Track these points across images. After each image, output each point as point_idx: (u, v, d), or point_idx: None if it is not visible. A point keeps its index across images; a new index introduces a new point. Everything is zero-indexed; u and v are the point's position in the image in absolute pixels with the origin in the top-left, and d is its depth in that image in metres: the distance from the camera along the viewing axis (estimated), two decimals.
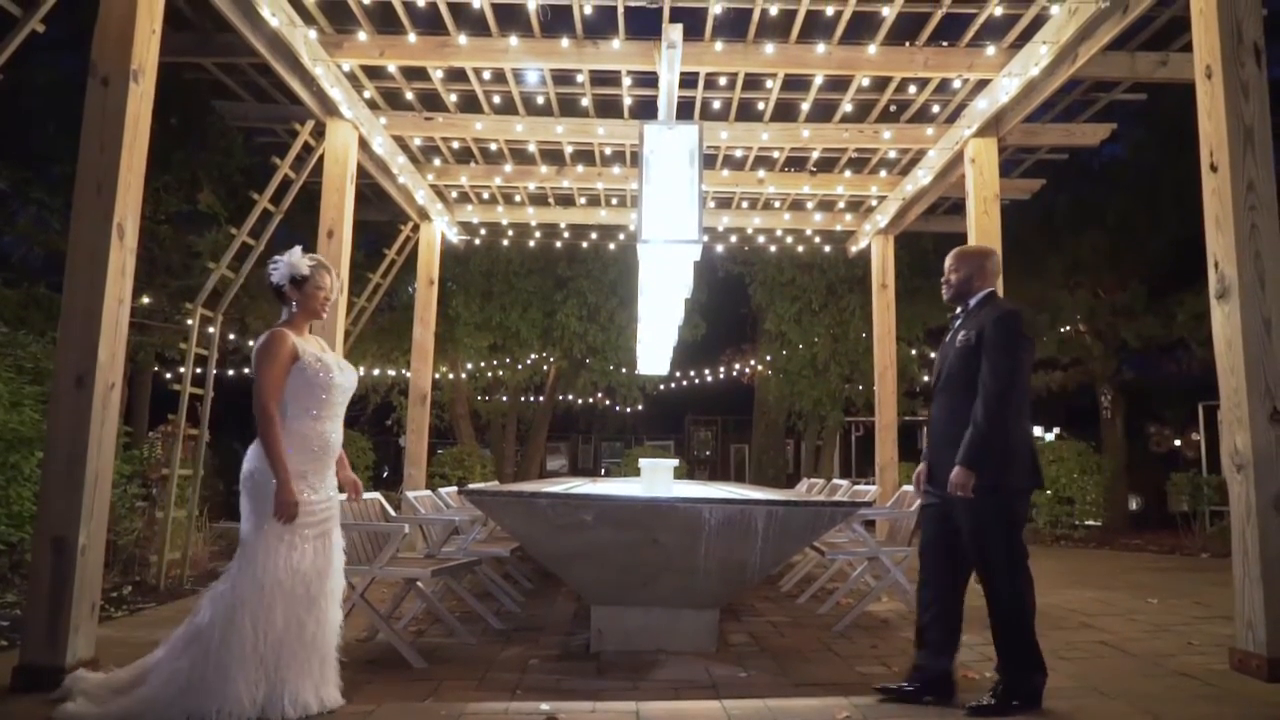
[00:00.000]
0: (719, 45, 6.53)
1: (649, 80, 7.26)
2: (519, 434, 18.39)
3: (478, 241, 11.97)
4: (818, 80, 7.17)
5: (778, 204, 10.43)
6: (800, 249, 11.76)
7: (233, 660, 3.17)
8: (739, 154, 8.99)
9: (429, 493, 6.59)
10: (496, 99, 7.77)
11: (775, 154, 8.95)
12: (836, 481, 8.74)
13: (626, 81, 7.36)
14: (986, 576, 3.56)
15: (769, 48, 6.55)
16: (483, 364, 15.19)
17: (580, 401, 18.70)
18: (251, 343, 12.30)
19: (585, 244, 12.32)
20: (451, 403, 15.89)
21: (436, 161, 9.19)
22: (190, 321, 7.11)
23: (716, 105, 7.80)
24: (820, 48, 6.53)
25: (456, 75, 7.31)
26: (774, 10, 6.21)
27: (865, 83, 7.25)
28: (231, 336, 12.06)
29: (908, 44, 6.53)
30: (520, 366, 15.36)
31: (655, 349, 8.96)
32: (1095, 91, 7.74)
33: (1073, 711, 3.52)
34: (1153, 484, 14.59)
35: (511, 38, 6.47)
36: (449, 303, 13.88)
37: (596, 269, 14.64)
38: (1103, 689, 3.87)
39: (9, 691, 3.71)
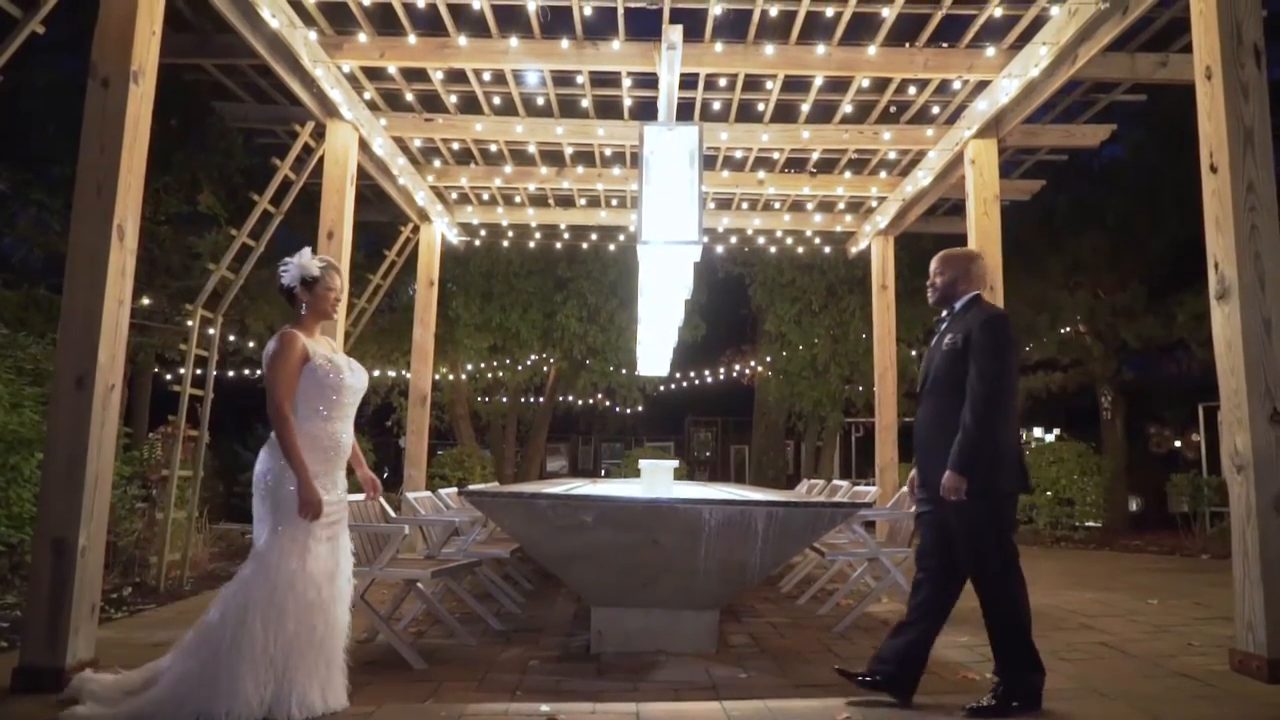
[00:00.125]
0: (719, 46, 6.53)
1: (649, 81, 7.27)
2: (519, 435, 18.39)
3: (478, 243, 11.97)
4: (818, 81, 7.17)
5: (778, 205, 10.43)
6: (800, 250, 11.77)
7: (243, 661, 3.17)
8: (739, 155, 8.99)
9: (429, 494, 6.59)
10: (496, 100, 7.77)
11: (775, 155, 8.95)
12: (836, 482, 8.73)
13: (626, 83, 7.36)
14: (981, 579, 3.56)
15: (769, 49, 6.55)
16: (483, 365, 15.19)
17: (580, 402, 18.72)
18: (252, 344, 12.42)
19: (585, 245, 12.32)
20: (451, 404, 15.89)
21: (436, 163, 9.19)
22: (190, 323, 7.11)
23: (716, 106, 7.80)
24: (820, 49, 6.53)
25: (456, 76, 7.31)
26: (774, 11, 6.21)
27: (865, 84, 7.25)
28: (231, 338, 12.07)
29: (908, 45, 6.53)
30: (520, 367, 15.37)
31: (655, 350, 8.96)
32: (1095, 92, 7.75)
33: (1073, 712, 3.52)
34: (1153, 485, 14.59)
35: (511, 39, 6.47)
36: (449, 304, 13.88)
37: (596, 270, 14.65)
38: (1103, 690, 3.87)
39: (9, 692, 3.71)
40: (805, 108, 7.69)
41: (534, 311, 14.65)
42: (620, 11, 6.16)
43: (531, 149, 8.88)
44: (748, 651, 4.72)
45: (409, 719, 3.46)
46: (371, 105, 7.65)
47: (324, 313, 3.65)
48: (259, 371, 14.42)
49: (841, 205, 10.26)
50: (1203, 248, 4.38)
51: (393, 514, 5.22)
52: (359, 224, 8.06)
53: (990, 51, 6.50)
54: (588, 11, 6.21)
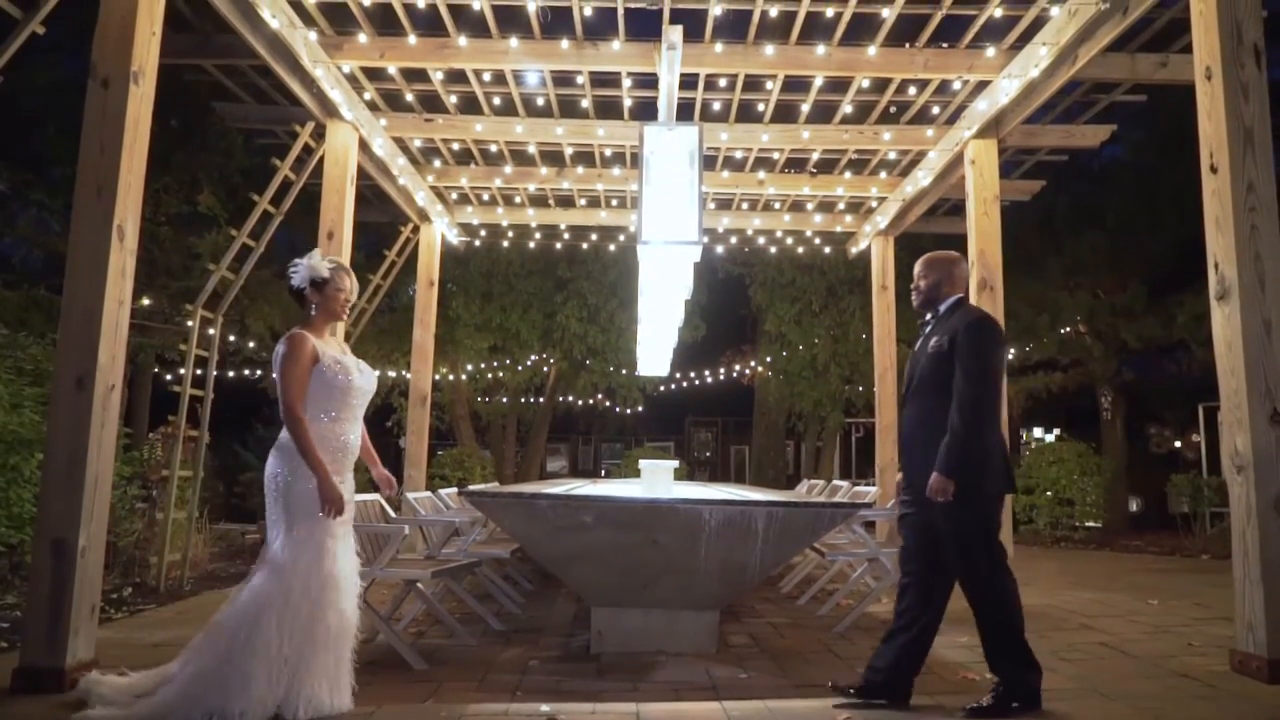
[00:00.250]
0: (719, 47, 6.53)
1: (649, 82, 7.27)
2: (519, 435, 18.39)
3: (478, 243, 11.97)
4: (818, 81, 7.17)
5: (778, 205, 10.43)
6: (800, 250, 11.77)
7: (256, 661, 3.18)
8: (739, 155, 8.99)
9: (429, 494, 6.59)
10: (496, 100, 7.77)
11: (775, 155, 8.95)
12: (836, 483, 8.74)
13: (626, 83, 7.36)
14: (970, 581, 3.56)
15: (769, 49, 6.55)
16: (483, 365, 15.19)
17: (580, 403, 18.71)
18: (252, 344, 12.42)
19: (585, 245, 12.32)
20: (452, 404, 15.89)
21: (436, 163, 9.19)
22: (190, 323, 7.12)
23: (716, 106, 7.80)
24: (820, 49, 6.53)
25: (456, 77, 7.31)
26: (774, 12, 6.21)
27: (865, 84, 7.25)
28: (231, 338, 12.07)
29: (908, 45, 6.53)
30: (520, 368, 15.36)
31: (655, 350, 8.96)
32: (1095, 93, 7.75)
33: (1073, 712, 3.52)
34: (1153, 485, 14.58)
35: (511, 39, 6.47)
36: (449, 304, 13.88)
37: (596, 270, 14.65)
38: (1103, 690, 3.87)
39: (9, 693, 3.70)
40: (805, 108, 7.69)
41: (534, 312, 14.65)
42: (620, 12, 6.16)
43: (531, 149, 8.88)
44: (748, 652, 4.72)
45: (409, 719, 3.46)
46: (371, 105, 7.65)
47: (334, 314, 3.67)
48: (259, 372, 14.46)
49: (841, 205, 10.26)
50: (1203, 248, 4.38)
51: (393, 514, 5.22)
52: (359, 224, 8.06)
53: (990, 52, 6.50)
54: (588, 12, 6.21)
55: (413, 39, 6.44)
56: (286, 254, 13.43)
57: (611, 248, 12.29)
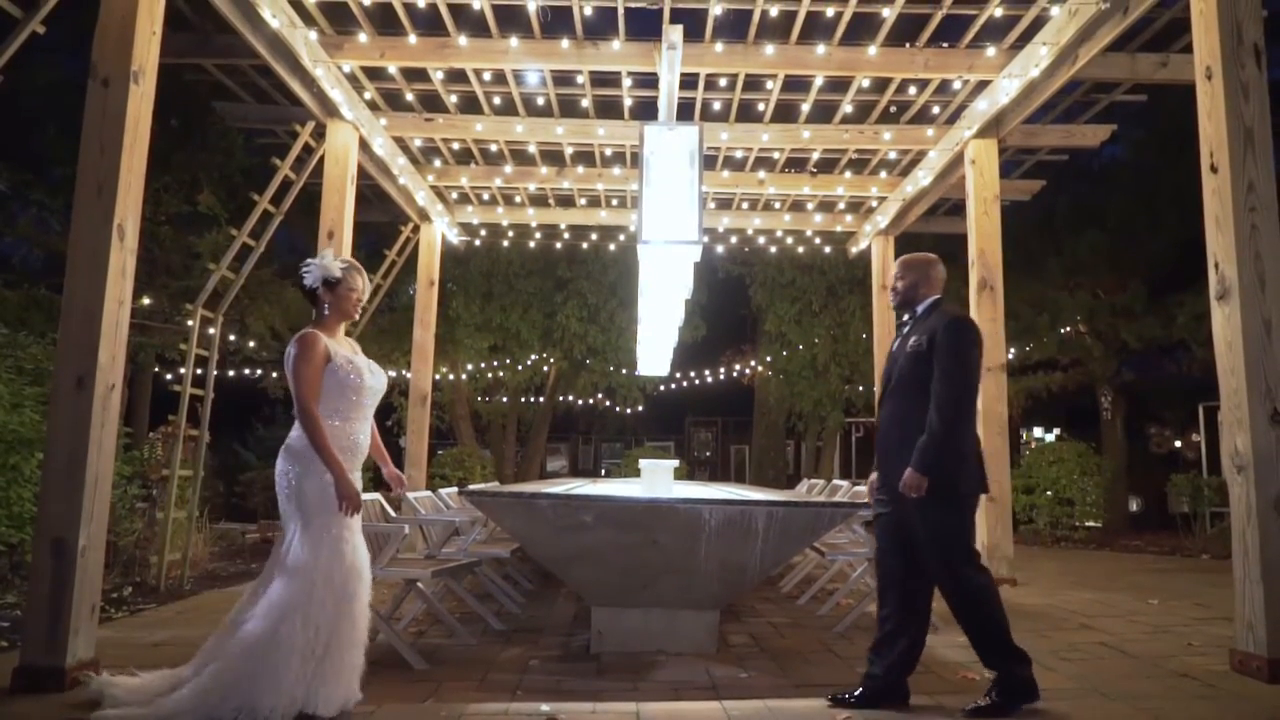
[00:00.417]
0: (719, 46, 6.54)
1: (649, 81, 7.27)
2: (519, 435, 18.39)
3: (478, 242, 11.98)
4: (818, 81, 7.17)
5: (778, 205, 10.44)
6: (800, 250, 11.77)
7: (285, 658, 3.19)
8: (739, 155, 8.99)
9: (429, 493, 6.59)
10: (497, 100, 7.77)
11: (775, 155, 8.96)
12: (837, 482, 8.73)
13: (627, 82, 7.37)
14: (947, 581, 3.56)
15: (769, 49, 6.55)
16: (483, 365, 15.19)
17: (580, 402, 18.70)
18: (252, 343, 12.41)
19: (585, 245, 12.33)
20: (452, 404, 15.89)
21: (437, 162, 9.19)
22: (190, 322, 7.11)
23: (717, 106, 7.80)
24: (820, 49, 6.53)
25: (457, 76, 7.32)
26: (774, 11, 6.21)
27: (865, 84, 7.25)
28: (232, 337, 12.07)
29: (908, 45, 6.54)
30: (520, 367, 15.36)
31: (655, 350, 8.96)
32: (1095, 93, 7.75)
33: (1073, 712, 3.52)
34: (1153, 485, 14.57)
35: (512, 39, 6.47)
36: (449, 304, 13.88)
37: (597, 270, 14.65)
38: (1103, 690, 3.87)
39: (9, 692, 3.70)
40: (805, 108, 7.69)
41: (534, 311, 14.65)
42: (620, 11, 6.16)
43: (532, 149, 8.89)
44: (748, 651, 4.72)
45: (409, 718, 3.46)
46: (372, 105, 7.65)
47: (346, 313, 3.68)
48: (259, 371, 14.46)
49: (842, 205, 10.26)
50: (1203, 248, 4.38)
51: (393, 513, 5.22)
52: (359, 224, 8.06)
53: (990, 51, 6.50)
54: (588, 11, 6.21)
55: (413, 38, 6.44)
56: (286, 254, 13.52)
57: (612, 247, 12.29)
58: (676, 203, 5.26)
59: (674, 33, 5.82)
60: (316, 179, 7.32)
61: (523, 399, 17.26)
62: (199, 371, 7.16)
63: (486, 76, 7.28)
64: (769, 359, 15.92)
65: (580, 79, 7.35)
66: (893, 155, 8.76)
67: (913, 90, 7.43)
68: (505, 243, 12.52)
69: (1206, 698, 3.75)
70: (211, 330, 7.25)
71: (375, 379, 3.65)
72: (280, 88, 7.22)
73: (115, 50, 4.16)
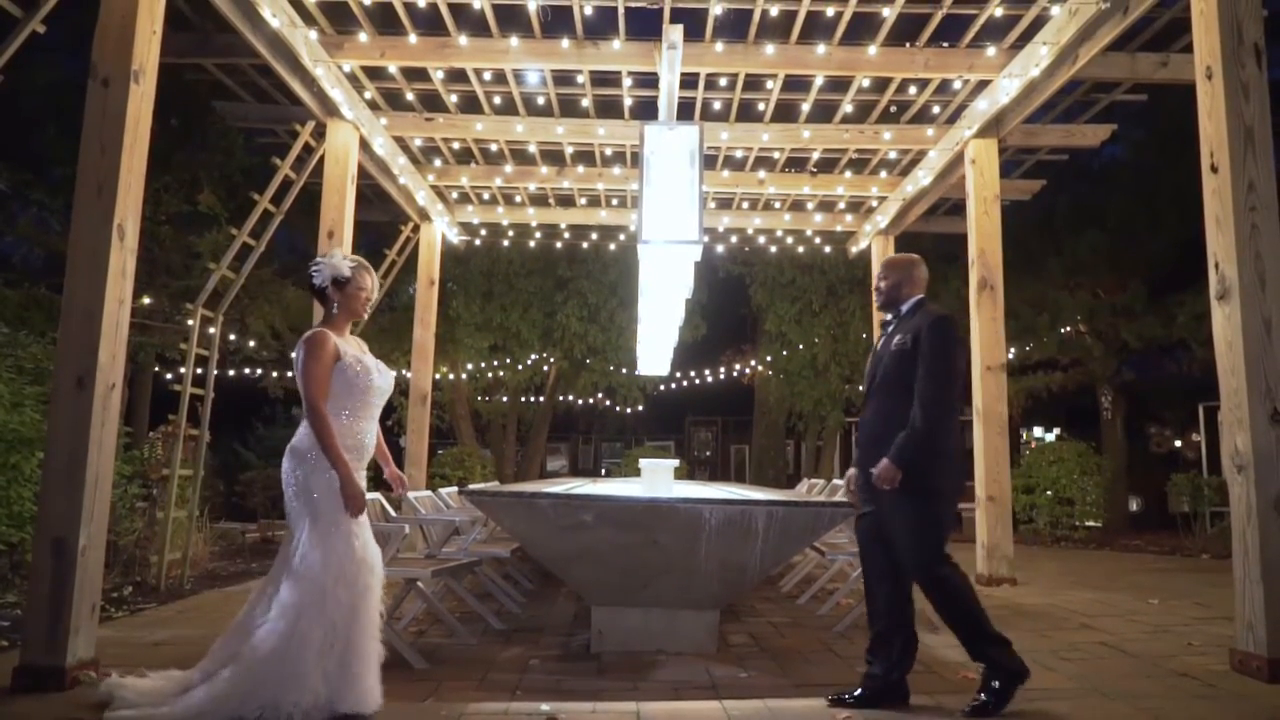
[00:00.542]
0: (719, 46, 6.54)
1: (649, 81, 7.27)
2: (519, 434, 18.38)
3: (478, 242, 11.98)
4: (818, 81, 7.17)
5: (778, 205, 10.44)
6: (800, 249, 11.77)
7: (302, 656, 3.19)
8: (739, 155, 8.99)
9: (429, 493, 6.59)
10: (497, 99, 7.77)
11: (776, 155, 8.96)
12: (837, 482, 8.71)
13: (627, 82, 7.37)
14: (923, 577, 3.57)
15: (769, 48, 6.55)
16: (483, 364, 15.19)
17: (580, 402, 18.70)
18: (252, 343, 12.41)
19: (585, 244, 12.33)
20: (452, 403, 15.88)
21: (437, 162, 9.19)
22: (191, 322, 7.12)
23: (717, 106, 7.80)
24: (820, 48, 6.53)
25: (457, 76, 7.32)
26: (774, 11, 6.21)
27: (865, 83, 7.25)
28: (232, 337, 12.07)
29: (908, 45, 6.54)
30: (520, 367, 15.36)
31: (655, 349, 8.96)
32: (1096, 92, 7.75)
33: (1073, 711, 3.52)
34: (1153, 485, 14.56)
35: (512, 38, 6.48)
36: (449, 303, 13.87)
37: (597, 269, 14.64)
38: (1103, 689, 3.87)
39: (9, 692, 3.70)
40: (806, 107, 7.69)
41: (534, 311, 14.65)
42: (621, 11, 6.16)
43: (532, 148, 8.89)
44: (748, 651, 4.72)
45: (409, 718, 3.46)
46: (372, 105, 7.65)
47: (355, 312, 3.69)
48: (259, 371, 14.46)
49: (842, 205, 10.26)
50: (1203, 247, 4.38)
51: (393, 513, 5.22)
52: (359, 223, 8.06)
53: (991, 51, 6.50)
54: (588, 11, 6.21)
55: (413, 38, 6.44)
56: (287, 253, 13.53)
57: (612, 247, 12.29)
58: (677, 202, 5.26)
59: (674, 32, 5.82)
60: (317, 178, 7.32)
61: (523, 398, 17.26)
62: (199, 371, 7.16)
63: (487, 76, 7.29)
64: (769, 359, 15.91)
65: (580, 79, 7.35)
66: (893, 155, 8.76)
67: (913, 90, 7.43)
68: (505, 242, 12.52)
69: (1206, 697, 3.75)
70: (212, 330, 7.25)
71: (383, 379, 3.67)
72: (280, 87, 7.22)
73: (115, 50, 4.16)
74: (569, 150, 8.91)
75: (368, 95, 7.48)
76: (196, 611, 5.86)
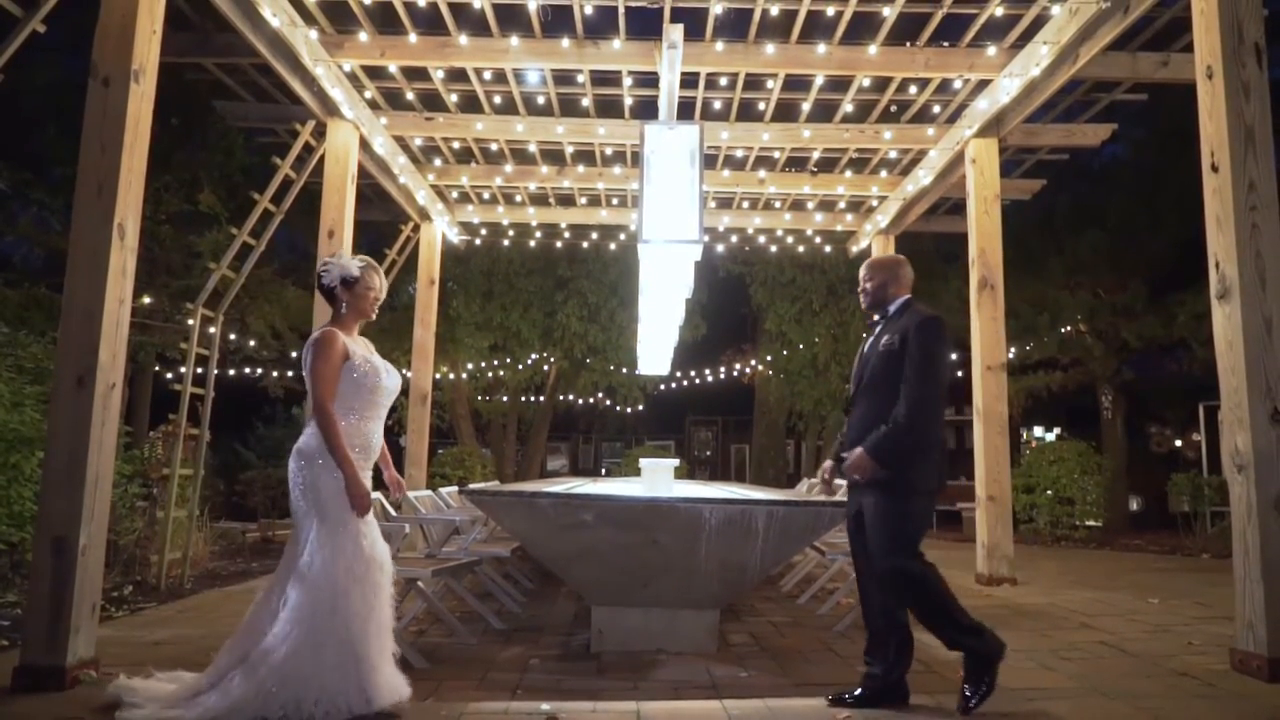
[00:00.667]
0: (720, 45, 6.54)
1: (650, 80, 7.27)
2: (519, 434, 18.39)
3: (478, 242, 11.98)
4: (818, 80, 7.17)
5: (778, 204, 10.44)
6: (801, 249, 11.77)
7: (319, 656, 3.21)
8: (740, 154, 8.99)
9: (429, 493, 6.59)
10: (497, 99, 7.77)
11: (776, 154, 8.96)
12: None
13: (627, 82, 7.37)
14: (889, 570, 3.56)
15: (770, 48, 6.55)
16: (483, 364, 15.19)
17: (581, 402, 18.70)
18: (253, 342, 12.40)
19: (586, 244, 12.33)
20: (452, 403, 15.88)
21: (437, 162, 9.19)
22: (191, 321, 7.12)
23: (717, 105, 7.80)
24: (821, 48, 6.53)
25: (457, 75, 7.32)
26: (775, 10, 6.21)
27: (866, 83, 7.25)
28: (232, 336, 12.07)
29: (908, 44, 6.54)
30: (521, 367, 15.36)
31: (656, 349, 8.96)
32: (1096, 92, 7.75)
33: (1073, 711, 3.53)
34: (1153, 484, 14.56)
35: (512, 38, 6.47)
36: (449, 303, 13.88)
37: (597, 269, 14.64)
38: (1103, 689, 3.87)
39: (10, 691, 3.71)
40: (806, 107, 7.69)
41: (534, 310, 14.65)
42: (621, 10, 6.16)
43: (532, 148, 8.89)
44: (748, 650, 4.72)
45: (409, 717, 3.46)
46: (372, 104, 7.65)
47: (363, 312, 3.70)
48: (259, 370, 14.46)
49: (842, 204, 10.26)
50: (1203, 247, 4.38)
51: (393, 512, 5.22)
52: (359, 223, 8.06)
53: (991, 50, 6.50)
54: (588, 10, 6.21)
55: (413, 38, 6.44)
56: (287, 253, 13.53)
57: (612, 246, 12.29)
58: (677, 202, 5.26)
59: (674, 32, 5.82)
60: (317, 178, 7.32)
61: (523, 398, 17.26)
62: (199, 371, 7.16)
63: (487, 76, 7.28)
64: (769, 358, 15.91)
65: (581, 78, 7.35)
66: (893, 154, 8.76)
67: (913, 89, 7.43)
68: (506, 242, 12.52)
69: (1207, 697, 3.75)
70: (212, 329, 7.25)
71: (391, 379, 3.68)
72: (281, 87, 7.22)
73: (116, 49, 4.16)
74: (569, 150, 8.90)
75: (368, 95, 7.48)
76: (197, 611, 5.86)
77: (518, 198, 10.35)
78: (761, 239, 11.35)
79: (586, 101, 7.75)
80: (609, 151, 8.98)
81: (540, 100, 7.86)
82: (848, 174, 9.33)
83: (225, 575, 7.48)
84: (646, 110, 7.89)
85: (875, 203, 9.99)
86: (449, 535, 5.35)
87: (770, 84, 7.31)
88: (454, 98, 7.75)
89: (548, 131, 8.14)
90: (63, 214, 10.42)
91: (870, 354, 3.80)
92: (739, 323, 18.94)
